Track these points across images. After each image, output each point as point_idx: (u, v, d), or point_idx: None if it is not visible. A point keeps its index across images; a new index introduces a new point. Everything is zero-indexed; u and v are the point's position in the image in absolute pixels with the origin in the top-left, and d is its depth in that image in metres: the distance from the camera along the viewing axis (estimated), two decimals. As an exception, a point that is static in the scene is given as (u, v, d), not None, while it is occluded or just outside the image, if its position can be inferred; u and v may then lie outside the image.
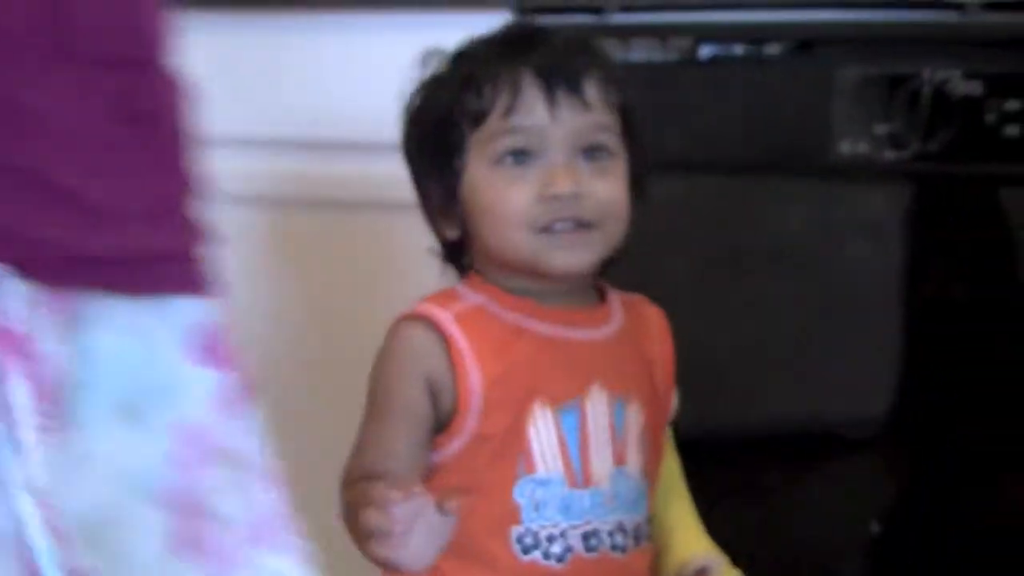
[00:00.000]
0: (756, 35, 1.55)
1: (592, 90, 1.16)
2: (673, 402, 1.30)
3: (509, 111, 1.16)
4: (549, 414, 1.16)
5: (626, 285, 1.61)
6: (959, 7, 1.48)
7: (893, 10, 1.52)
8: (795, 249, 1.59)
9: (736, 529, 1.59)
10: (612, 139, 1.17)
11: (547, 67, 1.16)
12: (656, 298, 1.61)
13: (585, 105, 1.15)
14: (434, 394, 1.17)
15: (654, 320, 1.28)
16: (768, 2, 1.55)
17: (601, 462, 1.17)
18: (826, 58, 1.51)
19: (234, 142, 1.80)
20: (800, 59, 1.53)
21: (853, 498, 1.55)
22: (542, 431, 1.15)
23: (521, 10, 1.66)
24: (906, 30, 1.51)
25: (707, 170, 1.59)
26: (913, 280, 1.50)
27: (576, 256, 1.16)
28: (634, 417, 1.20)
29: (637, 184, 1.21)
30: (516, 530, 1.15)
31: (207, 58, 1.81)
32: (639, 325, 1.26)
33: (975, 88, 1.44)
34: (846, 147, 1.50)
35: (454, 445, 1.17)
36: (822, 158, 1.51)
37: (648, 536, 1.22)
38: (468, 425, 1.16)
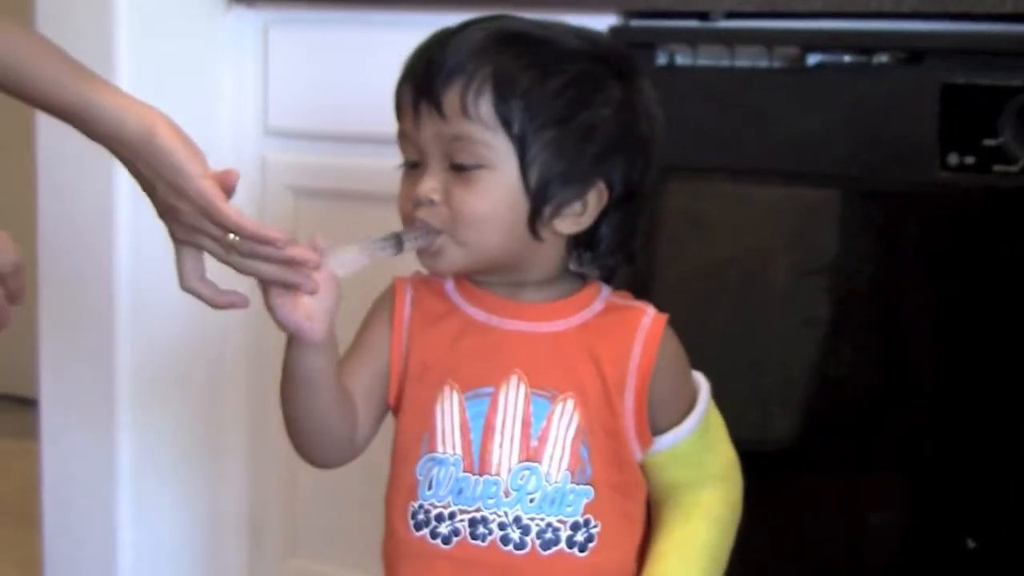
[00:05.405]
0: (865, 44, 1.53)
1: (451, 100, 1.12)
2: (685, 417, 1.22)
3: (398, 116, 1.17)
4: (456, 397, 1.17)
5: (728, 289, 1.60)
6: (1074, 20, 1.45)
7: (1004, 23, 1.49)
8: (898, 261, 1.57)
9: (826, 547, 1.58)
10: (481, 151, 1.12)
11: (418, 74, 1.15)
12: (755, 304, 1.60)
13: (441, 115, 1.13)
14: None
15: (634, 324, 1.20)
16: (877, 12, 1.53)
17: (503, 453, 1.16)
18: (935, 69, 1.49)
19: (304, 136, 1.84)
20: (909, 70, 1.51)
21: (947, 514, 1.53)
22: (447, 412, 1.17)
23: (626, 13, 1.65)
24: (1017, 43, 1.49)
25: (810, 180, 1.57)
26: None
27: (433, 260, 1.16)
28: (564, 416, 1.16)
29: (545, 202, 1.14)
30: (412, 505, 1.17)
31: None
32: (606, 326, 1.19)
33: (1087, 103, 1.42)
34: (953, 159, 1.48)
35: (398, 408, 1.21)
36: (929, 170, 1.49)
37: (580, 545, 1.16)
38: (402, 389, 1.19)
